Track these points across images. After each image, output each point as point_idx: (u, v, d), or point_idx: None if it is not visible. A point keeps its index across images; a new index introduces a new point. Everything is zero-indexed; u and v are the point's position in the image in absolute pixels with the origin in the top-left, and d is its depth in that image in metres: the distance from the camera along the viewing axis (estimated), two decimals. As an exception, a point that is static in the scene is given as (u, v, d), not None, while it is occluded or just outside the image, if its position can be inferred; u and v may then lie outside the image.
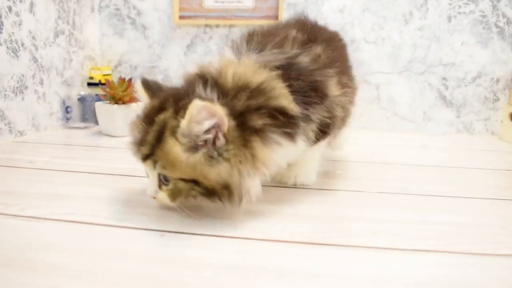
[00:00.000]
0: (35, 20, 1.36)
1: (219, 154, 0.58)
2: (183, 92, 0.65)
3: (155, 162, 0.60)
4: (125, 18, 1.72)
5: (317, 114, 0.70)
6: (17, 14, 1.27)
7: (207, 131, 0.58)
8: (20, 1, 1.28)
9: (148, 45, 1.72)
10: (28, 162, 1.00)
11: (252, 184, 0.61)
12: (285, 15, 1.58)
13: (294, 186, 0.84)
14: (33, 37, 1.35)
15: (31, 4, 1.33)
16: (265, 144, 0.62)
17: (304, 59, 0.71)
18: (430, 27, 1.55)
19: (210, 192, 0.60)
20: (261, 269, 0.50)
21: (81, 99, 1.55)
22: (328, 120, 0.72)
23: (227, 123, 0.58)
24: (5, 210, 0.68)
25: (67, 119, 1.53)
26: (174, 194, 0.62)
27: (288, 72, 0.68)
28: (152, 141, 0.60)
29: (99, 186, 0.82)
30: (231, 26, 1.65)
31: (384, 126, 1.64)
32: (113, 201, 0.74)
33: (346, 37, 0.89)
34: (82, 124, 1.55)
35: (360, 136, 1.45)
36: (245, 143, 0.60)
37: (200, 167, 0.58)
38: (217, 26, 1.65)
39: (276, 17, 1.57)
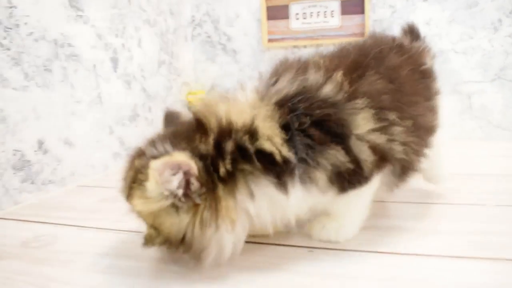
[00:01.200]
0: (143, 53, 1.50)
1: (195, 198, 0.52)
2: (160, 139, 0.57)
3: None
4: (216, 44, 1.85)
5: (326, 159, 0.56)
6: (129, 50, 1.41)
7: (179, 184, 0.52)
8: (131, 38, 1.42)
9: (239, 68, 1.83)
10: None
11: (221, 240, 0.53)
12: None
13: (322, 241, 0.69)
14: (142, 69, 1.49)
15: (139, 40, 1.47)
16: (230, 194, 0.53)
17: (327, 89, 0.58)
18: (522, 33, 1.53)
19: (170, 244, 0.55)
20: (413, 282, 0.55)
21: (183, 123, 1.66)
22: (349, 165, 0.57)
23: (195, 165, 0.51)
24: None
25: (171, 142, 1.65)
26: (146, 240, 0.58)
27: (293, 106, 0.56)
28: (127, 185, 0.58)
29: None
30: (318, 45, 1.71)
31: (478, 135, 1.62)
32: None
33: (434, 49, 0.83)
34: (185, 146, 1.66)
35: (454, 146, 1.45)
36: (213, 190, 0.53)
37: (157, 214, 0.53)
38: (305, 46, 1.72)
39: (363, 34, 1.62)
